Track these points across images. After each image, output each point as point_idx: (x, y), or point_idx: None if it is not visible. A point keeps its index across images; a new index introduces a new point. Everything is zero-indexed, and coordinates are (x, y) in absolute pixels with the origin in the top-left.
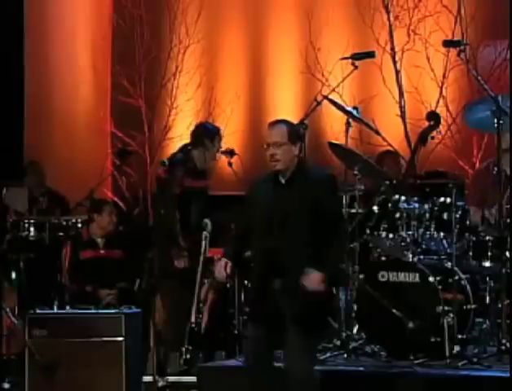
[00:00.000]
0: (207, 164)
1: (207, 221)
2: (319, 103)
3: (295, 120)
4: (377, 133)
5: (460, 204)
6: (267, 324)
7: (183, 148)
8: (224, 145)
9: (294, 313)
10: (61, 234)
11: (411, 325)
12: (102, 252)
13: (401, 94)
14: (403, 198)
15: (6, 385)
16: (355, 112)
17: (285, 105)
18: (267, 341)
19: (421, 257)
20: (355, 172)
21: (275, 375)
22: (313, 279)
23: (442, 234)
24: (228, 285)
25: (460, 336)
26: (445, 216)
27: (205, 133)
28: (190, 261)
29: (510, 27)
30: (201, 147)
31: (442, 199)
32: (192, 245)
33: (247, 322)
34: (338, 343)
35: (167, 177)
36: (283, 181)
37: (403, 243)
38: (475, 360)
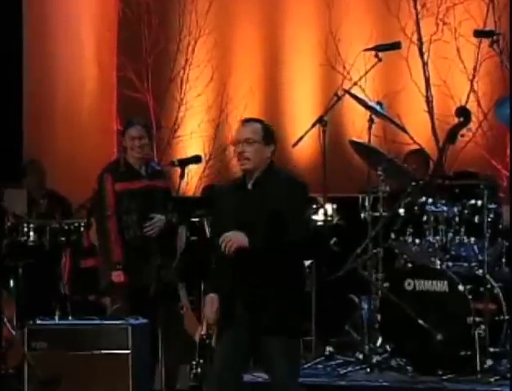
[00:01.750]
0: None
1: (155, 215)
2: (339, 98)
3: (314, 117)
4: (403, 130)
5: (492, 206)
6: (237, 343)
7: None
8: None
9: (266, 325)
10: (63, 238)
11: (439, 337)
12: None
13: (428, 88)
14: (430, 200)
15: None
16: (378, 108)
17: (303, 100)
18: (237, 358)
19: (450, 263)
20: (379, 172)
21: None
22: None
23: (473, 239)
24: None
25: (492, 350)
26: (476, 219)
27: (122, 131)
28: (127, 276)
29: (510, 27)
30: (126, 147)
31: (472, 201)
32: (137, 251)
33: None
34: (361, 356)
35: (97, 190)
36: (249, 186)
37: (430, 249)
38: (509, 375)
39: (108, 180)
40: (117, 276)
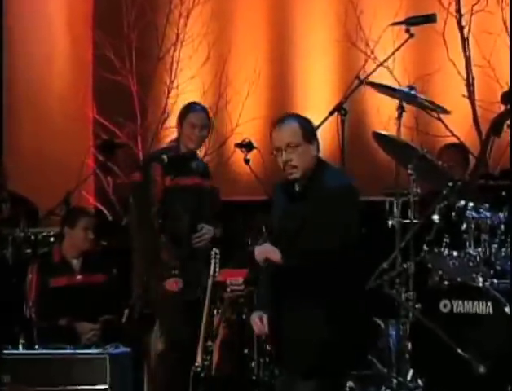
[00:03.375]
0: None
1: (203, 225)
2: (362, 82)
3: (330, 104)
4: (444, 111)
5: None
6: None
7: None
8: (240, 136)
9: (303, 367)
10: (28, 250)
11: (482, 370)
12: (78, 277)
13: (469, 70)
14: (471, 204)
15: None
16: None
17: (317, 84)
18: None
19: (495, 281)
20: (410, 171)
21: None
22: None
23: None
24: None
25: None
26: None
27: (180, 114)
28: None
29: (510, 25)
30: (181, 134)
31: None
32: (185, 261)
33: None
34: None
35: (142, 180)
36: (297, 188)
37: (471, 263)
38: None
39: (156, 170)
40: (173, 283)
